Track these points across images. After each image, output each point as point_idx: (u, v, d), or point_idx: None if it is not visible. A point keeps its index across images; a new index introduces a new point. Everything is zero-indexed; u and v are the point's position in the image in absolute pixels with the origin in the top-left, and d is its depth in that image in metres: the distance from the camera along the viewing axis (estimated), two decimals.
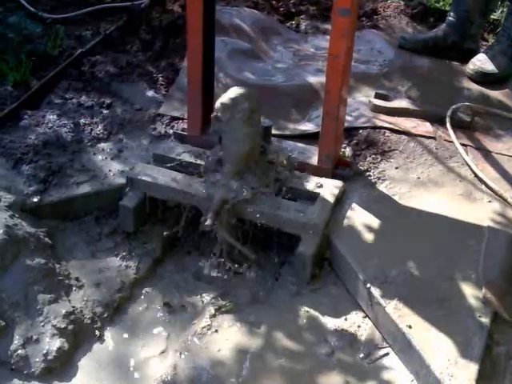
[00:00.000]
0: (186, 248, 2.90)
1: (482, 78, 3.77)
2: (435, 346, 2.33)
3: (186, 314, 2.64)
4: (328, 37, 3.26)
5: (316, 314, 2.62)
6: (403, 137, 3.26)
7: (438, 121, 3.38)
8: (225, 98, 2.68)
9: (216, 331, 2.57)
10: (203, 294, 2.71)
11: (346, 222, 2.79)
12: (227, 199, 2.71)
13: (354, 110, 3.41)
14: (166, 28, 4.02)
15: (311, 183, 2.88)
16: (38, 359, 2.37)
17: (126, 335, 2.57)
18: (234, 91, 2.69)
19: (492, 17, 4.33)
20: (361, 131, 3.27)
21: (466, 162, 3.11)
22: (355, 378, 2.42)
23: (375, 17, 4.41)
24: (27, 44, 3.82)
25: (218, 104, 2.68)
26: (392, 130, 3.28)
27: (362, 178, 3.02)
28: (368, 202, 2.90)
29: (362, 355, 2.48)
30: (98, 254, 2.81)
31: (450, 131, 3.27)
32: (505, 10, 4.22)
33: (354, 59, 3.22)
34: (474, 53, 3.90)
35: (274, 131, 3.02)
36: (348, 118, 3.23)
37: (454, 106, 3.41)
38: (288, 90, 3.57)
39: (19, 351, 2.38)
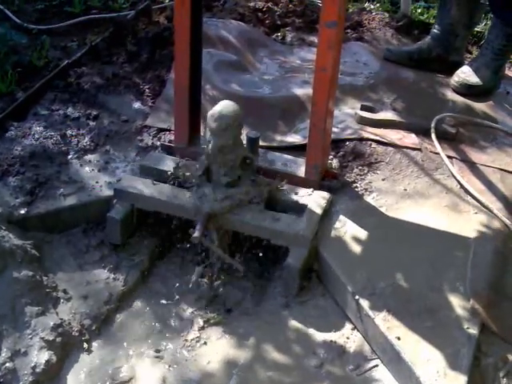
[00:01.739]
0: (175, 259, 2.89)
1: (467, 90, 3.79)
2: (424, 357, 2.34)
3: (174, 327, 2.63)
4: (314, 49, 3.30)
5: (305, 326, 2.62)
6: (389, 148, 3.26)
7: (423, 133, 3.40)
8: (216, 112, 2.69)
9: (205, 343, 2.57)
10: (192, 307, 2.70)
11: (333, 233, 2.80)
12: (215, 211, 2.71)
13: (340, 122, 3.42)
14: (152, 39, 4.01)
15: (299, 195, 2.88)
16: (26, 372, 2.35)
17: (114, 348, 2.55)
18: (225, 106, 2.71)
19: (476, 29, 4.37)
20: (347, 143, 3.28)
21: (452, 173, 3.12)
22: None
23: (360, 29, 4.43)
24: (13, 55, 3.81)
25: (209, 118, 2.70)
26: (378, 142, 3.29)
27: (349, 190, 3.02)
28: (355, 213, 2.90)
29: (351, 367, 2.48)
30: (85, 266, 2.79)
31: (436, 143, 3.28)
32: (489, 22, 4.27)
33: (340, 71, 3.23)
34: (458, 65, 3.93)
35: (261, 143, 3.03)
36: (334, 129, 3.24)
37: (437, 117, 3.43)
38: (275, 101, 3.58)
39: (7, 364, 2.36)
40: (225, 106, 2.71)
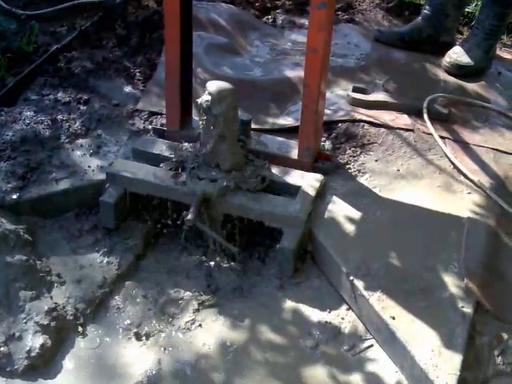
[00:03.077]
0: (168, 243, 2.89)
1: (458, 70, 3.79)
2: (419, 337, 2.35)
3: (169, 309, 2.63)
4: (305, 31, 3.28)
5: (300, 307, 2.63)
6: (382, 130, 3.26)
7: (415, 113, 3.40)
8: (214, 90, 2.67)
9: (200, 326, 2.57)
10: (186, 289, 2.70)
11: (327, 215, 2.80)
12: (208, 193, 2.71)
13: (332, 104, 3.41)
14: (142, 23, 4.00)
15: (292, 177, 2.88)
16: (21, 356, 2.36)
17: (108, 331, 2.55)
18: (220, 85, 2.70)
19: (467, 10, 4.37)
20: (340, 125, 3.28)
21: (445, 154, 3.12)
22: (340, 371, 2.42)
23: (351, 10, 4.42)
24: (1, 41, 3.77)
25: (209, 95, 2.68)
26: (371, 123, 3.29)
27: (342, 171, 3.02)
28: (349, 194, 2.90)
29: (346, 347, 2.49)
30: (78, 250, 2.79)
31: (428, 124, 3.28)
32: (479, 3, 4.25)
33: (331, 53, 3.22)
34: (449, 46, 3.93)
35: (253, 125, 3.02)
36: (327, 111, 3.22)
37: (429, 98, 3.43)
38: (266, 84, 3.57)
39: (2, 348, 2.35)
40: (221, 87, 2.71)
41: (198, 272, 2.76)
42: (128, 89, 3.52)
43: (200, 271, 2.76)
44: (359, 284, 2.53)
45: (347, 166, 3.05)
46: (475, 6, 4.49)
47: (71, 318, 2.53)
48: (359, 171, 3.03)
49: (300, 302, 2.65)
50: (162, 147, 3.00)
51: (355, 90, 3.49)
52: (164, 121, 3.20)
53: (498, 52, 4.04)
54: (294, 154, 2.97)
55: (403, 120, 3.34)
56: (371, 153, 3.13)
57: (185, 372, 2.42)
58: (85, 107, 3.34)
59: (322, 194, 2.88)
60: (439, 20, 3.95)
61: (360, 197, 2.90)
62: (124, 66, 3.68)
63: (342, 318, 2.58)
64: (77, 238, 2.83)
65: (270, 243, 2.80)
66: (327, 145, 3.15)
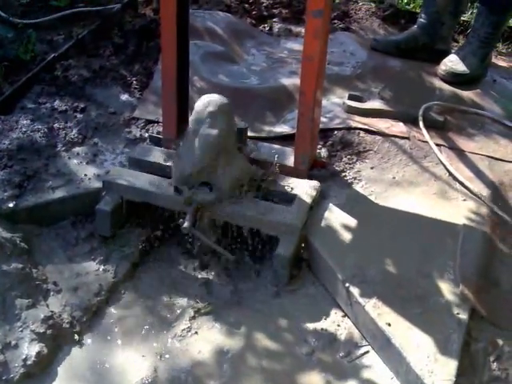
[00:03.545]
0: (164, 250, 2.89)
1: (454, 78, 3.80)
2: (414, 343, 2.35)
3: (165, 317, 2.63)
4: (301, 39, 3.30)
5: (295, 314, 2.63)
6: (378, 137, 3.27)
7: (411, 121, 3.41)
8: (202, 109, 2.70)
9: (196, 333, 2.57)
10: (182, 297, 2.70)
11: (323, 222, 2.80)
12: (204, 201, 2.71)
13: (328, 112, 3.42)
14: (138, 32, 4.01)
15: (288, 184, 2.88)
16: (17, 364, 2.35)
17: (105, 339, 2.55)
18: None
19: (462, 18, 4.38)
20: (336, 132, 3.29)
21: (440, 161, 3.13)
22: (335, 377, 2.42)
23: (347, 19, 4.44)
24: None
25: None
26: (366, 131, 3.30)
27: (338, 179, 3.03)
28: (344, 202, 2.91)
29: (342, 354, 2.49)
30: (75, 258, 2.79)
31: (424, 131, 3.29)
32: (475, 11, 4.27)
33: (328, 61, 3.24)
34: (445, 54, 3.94)
35: (249, 133, 3.03)
36: (322, 119, 3.24)
37: (425, 105, 3.44)
38: (263, 92, 3.58)
39: None
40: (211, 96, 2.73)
41: (193, 279, 2.76)
42: (125, 97, 3.53)
43: (196, 278, 2.77)
44: (355, 291, 2.53)
45: (343, 174, 3.06)
46: (471, 14, 4.51)
47: (67, 326, 2.53)
48: (355, 179, 3.03)
49: (296, 309, 2.65)
50: (158, 155, 3.00)
51: (351, 97, 3.50)
52: (160, 129, 3.21)
53: (494, 60, 4.05)
54: (290, 161, 2.98)
55: (399, 128, 3.35)
56: (367, 160, 3.14)
57: (181, 379, 2.42)
58: (81, 115, 3.35)
59: (318, 202, 2.89)
60: (435, 28, 3.97)
61: (356, 204, 2.90)
62: (121, 75, 3.70)
63: (338, 325, 2.59)
64: (73, 246, 2.83)
65: (266, 250, 2.80)
66: (323, 152, 3.16)
